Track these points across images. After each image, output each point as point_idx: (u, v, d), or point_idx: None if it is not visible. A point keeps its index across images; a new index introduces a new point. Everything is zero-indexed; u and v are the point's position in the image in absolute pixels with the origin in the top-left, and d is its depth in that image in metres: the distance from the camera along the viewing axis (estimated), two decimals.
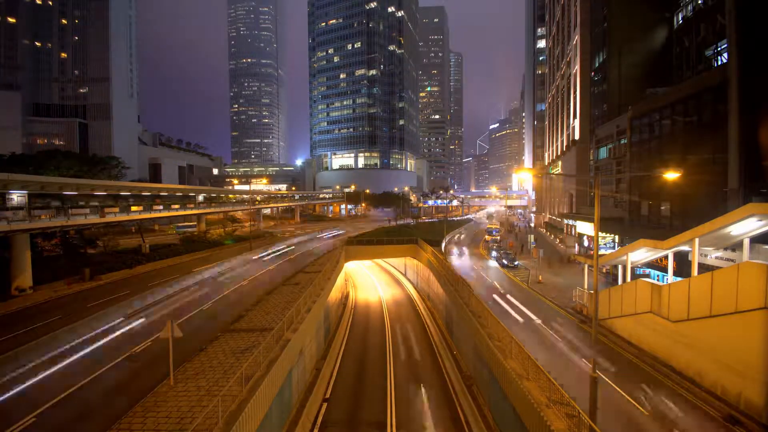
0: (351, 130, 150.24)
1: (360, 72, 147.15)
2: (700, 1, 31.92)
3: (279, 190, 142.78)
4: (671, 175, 17.59)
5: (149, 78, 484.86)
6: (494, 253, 50.75)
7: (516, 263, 44.49)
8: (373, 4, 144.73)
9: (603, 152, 42.61)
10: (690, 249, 18.41)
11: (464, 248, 60.21)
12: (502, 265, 44.42)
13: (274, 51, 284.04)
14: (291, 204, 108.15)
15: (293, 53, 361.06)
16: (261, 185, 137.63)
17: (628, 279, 23.19)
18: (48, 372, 15.20)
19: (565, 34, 63.72)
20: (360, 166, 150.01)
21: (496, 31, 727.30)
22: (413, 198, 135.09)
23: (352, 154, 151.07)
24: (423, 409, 17.95)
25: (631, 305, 20.36)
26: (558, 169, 68.92)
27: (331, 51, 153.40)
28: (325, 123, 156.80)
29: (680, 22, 35.99)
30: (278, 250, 45.96)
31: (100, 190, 41.19)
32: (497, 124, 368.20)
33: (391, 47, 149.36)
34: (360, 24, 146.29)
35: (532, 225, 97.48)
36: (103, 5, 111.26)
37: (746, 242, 17.35)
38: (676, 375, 16.68)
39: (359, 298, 41.01)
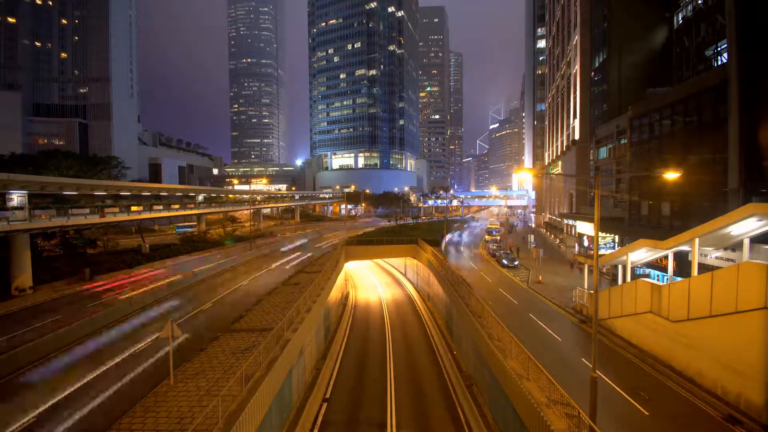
0: (351, 130, 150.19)
1: (360, 72, 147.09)
2: (700, 1, 31.91)
3: (279, 190, 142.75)
4: (671, 175, 17.59)
5: (149, 78, 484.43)
6: (495, 253, 50.76)
7: (516, 263, 44.54)
8: (373, 4, 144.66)
9: (603, 152, 42.62)
10: (690, 249, 18.40)
11: (464, 248, 60.20)
12: (502, 265, 44.43)
13: (274, 51, 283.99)
14: (291, 204, 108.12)
15: (293, 53, 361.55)
16: (261, 185, 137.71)
17: (628, 279, 23.17)
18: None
19: (565, 34, 63.69)
20: (360, 166, 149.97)
21: (496, 31, 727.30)
22: (413, 198, 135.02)
23: (352, 154, 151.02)
24: (423, 409, 17.94)
25: (631, 305, 20.36)
26: (558, 169, 68.92)
27: (331, 51, 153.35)
28: (325, 123, 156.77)
29: (680, 22, 35.98)
30: None
31: (100, 190, 41.23)
32: (497, 124, 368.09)
33: (391, 47, 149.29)
34: (360, 24, 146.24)
35: (532, 225, 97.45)
36: (103, 5, 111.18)
37: (746, 242, 17.34)
38: (676, 375, 16.67)
39: (359, 298, 41.00)
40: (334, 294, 30.55)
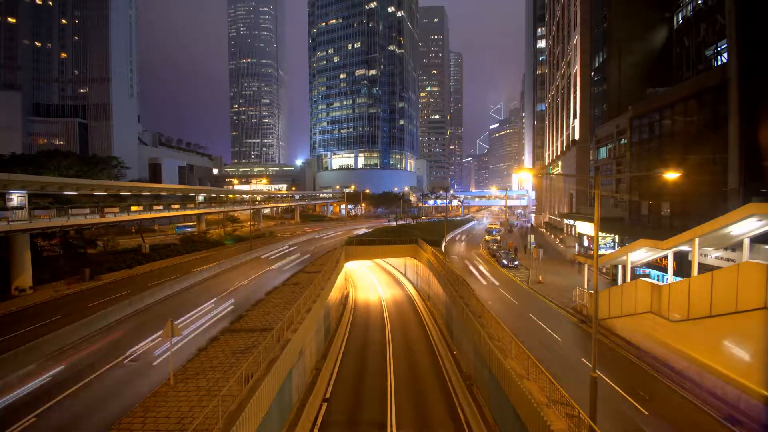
0: (351, 130, 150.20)
1: (360, 72, 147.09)
2: (700, 1, 31.91)
3: (279, 190, 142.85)
4: (671, 175, 17.57)
5: (149, 78, 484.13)
6: (495, 253, 50.76)
7: (516, 263, 44.54)
8: (373, 4, 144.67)
9: (603, 152, 42.58)
10: (690, 249, 18.40)
11: (464, 248, 60.20)
12: (502, 265, 44.42)
13: (274, 51, 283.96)
14: (291, 204, 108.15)
15: (293, 53, 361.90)
16: (261, 185, 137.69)
17: (628, 279, 23.17)
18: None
19: (565, 34, 63.69)
20: (360, 166, 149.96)
21: (496, 31, 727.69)
22: (413, 198, 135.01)
23: (352, 154, 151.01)
24: (423, 409, 17.94)
25: (631, 305, 20.35)
26: (558, 169, 68.90)
27: (331, 51, 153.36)
28: (325, 123, 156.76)
29: (680, 22, 35.97)
30: None
31: (100, 190, 41.22)
32: (497, 124, 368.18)
33: (391, 47, 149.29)
34: (360, 24, 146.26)
35: (531, 225, 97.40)
36: (103, 5, 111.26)
37: (746, 242, 17.33)
38: (676, 375, 16.67)
39: (359, 298, 40.98)
40: (334, 294, 30.54)
